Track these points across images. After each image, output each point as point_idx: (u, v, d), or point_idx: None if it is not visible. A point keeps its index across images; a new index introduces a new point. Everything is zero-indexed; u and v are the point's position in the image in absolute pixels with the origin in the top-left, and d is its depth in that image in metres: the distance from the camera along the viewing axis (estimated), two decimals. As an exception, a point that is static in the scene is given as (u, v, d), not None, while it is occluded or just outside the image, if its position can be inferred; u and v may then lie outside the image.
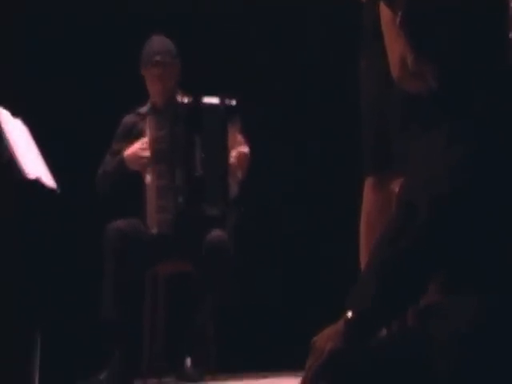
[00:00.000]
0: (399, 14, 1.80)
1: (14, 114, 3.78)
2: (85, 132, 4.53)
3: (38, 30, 4.70)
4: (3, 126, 3.63)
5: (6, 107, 3.75)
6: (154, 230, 3.88)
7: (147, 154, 3.91)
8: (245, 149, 3.97)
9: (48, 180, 3.78)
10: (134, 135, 4.00)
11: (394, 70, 2.08)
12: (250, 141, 4.04)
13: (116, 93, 4.48)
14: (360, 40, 2.66)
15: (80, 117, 4.64)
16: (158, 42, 4.03)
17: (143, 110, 4.06)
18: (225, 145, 3.94)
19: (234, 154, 3.94)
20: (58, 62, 4.71)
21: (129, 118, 4.07)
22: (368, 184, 2.70)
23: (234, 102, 3.98)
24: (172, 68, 4.01)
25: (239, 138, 3.98)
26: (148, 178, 3.92)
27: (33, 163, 3.73)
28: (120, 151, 3.97)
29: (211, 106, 3.97)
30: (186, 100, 3.98)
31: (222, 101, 3.97)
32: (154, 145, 3.94)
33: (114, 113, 4.10)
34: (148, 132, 3.96)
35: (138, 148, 3.92)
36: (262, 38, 4.71)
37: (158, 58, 3.98)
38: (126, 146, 3.96)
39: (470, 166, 1.70)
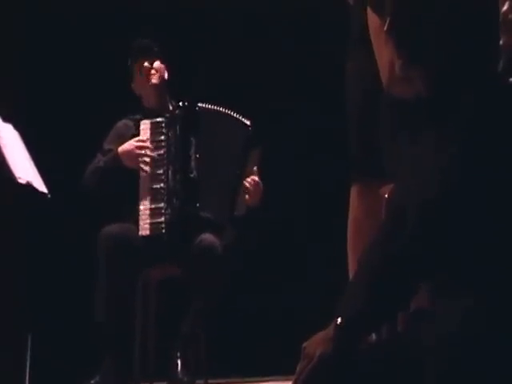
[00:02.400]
0: (387, 19, 1.80)
1: (5, 119, 3.78)
2: (76, 136, 4.54)
3: (31, 35, 4.71)
4: (-6, 130, 3.63)
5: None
6: (147, 233, 3.87)
7: (142, 151, 3.90)
8: (259, 181, 3.98)
9: (39, 184, 3.77)
10: (127, 138, 3.98)
11: (383, 75, 2.08)
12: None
13: (108, 98, 4.49)
14: (347, 42, 2.66)
15: (72, 121, 4.65)
16: (141, 40, 4.09)
17: (138, 116, 4.07)
18: (241, 162, 3.96)
19: (250, 182, 3.95)
20: (49, 69, 4.72)
21: (122, 123, 4.08)
22: (354, 191, 2.69)
23: (247, 122, 4.00)
24: (160, 60, 4.03)
25: (255, 169, 4.00)
26: (142, 181, 3.91)
27: (24, 168, 3.72)
28: (111, 151, 3.96)
29: (215, 111, 3.99)
30: (182, 103, 3.99)
31: (229, 113, 3.99)
32: (149, 148, 3.93)
33: (106, 117, 4.09)
34: (142, 135, 3.96)
35: (133, 144, 3.91)
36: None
37: (145, 43, 4.04)
38: (119, 146, 3.94)
39: (458, 170, 1.70)
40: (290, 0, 4.72)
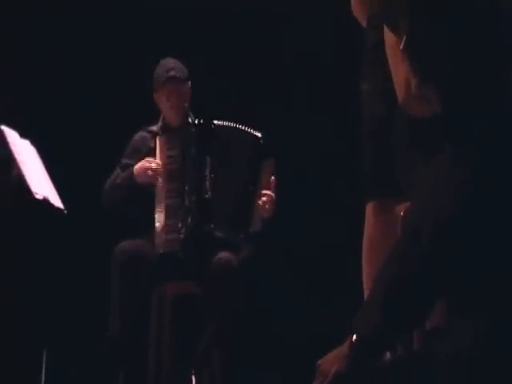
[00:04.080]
0: (403, 38, 1.81)
1: (23, 135, 3.81)
2: (92, 153, 4.55)
3: (46, 51, 4.74)
4: (12, 147, 3.65)
5: (15, 128, 3.78)
6: (161, 250, 3.87)
7: (157, 166, 3.91)
8: (272, 194, 3.97)
9: (55, 200, 3.80)
10: (143, 152, 3.99)
11: (399, 94, 2.09)
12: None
13: (125, 113, 4.51)
14: (361, 64, 2.66)
15: (88, 138, 4.66)
16: (172, 61, 4.06)
17: (154, 128, 4.07)
18: (254, 178, 3.96)
19: (264, 197, 3.93)
20: (65, 85, 4.74)
21: (139, 135, 4.08)
22: (369, 209, 2.69)
23: (258, 134, 4.00)
24: (186, 85, 4.03)
25: (272, 179, 3.97)
26: (157, 197, 3.92)
27: (41, 183, 3.75)
28: (129, 166, 3.97)
29: (227, 127, 3.99)
30: (198, 121, 3.99)
31: (245, 129, 3.99)
32: (164, 164, 3.94)
33: (122, 133, 4.11)
34: (158, 151, 3.97)
35: (148, 160, 3.92)
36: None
37: (173, 73, 4.00)
38: (136, 162, 3.96)
39: (473, 190, 1.70)
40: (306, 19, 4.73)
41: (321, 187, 4.70)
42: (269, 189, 3.96)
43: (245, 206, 3.95)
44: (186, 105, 4.02)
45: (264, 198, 3.94)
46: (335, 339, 1.87)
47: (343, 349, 1.74)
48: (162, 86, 4.01)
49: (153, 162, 3.91)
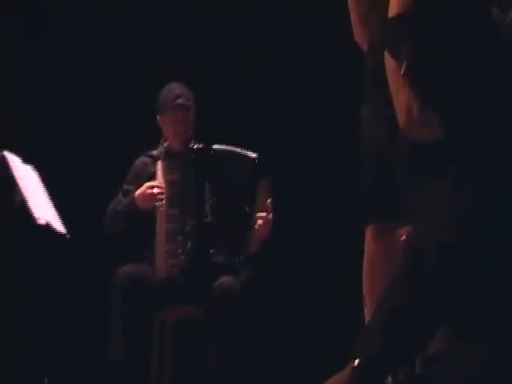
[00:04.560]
0: (404, 63, 1.82)
1: (25, 160, 3.82)
2: (94, 178, 4.56)
3: (49, 73, 4.74)
4: (14, 172, 3.66)
5: (17, 154, 3.79)
6: (162, 275, 3.87)
7: (158, 191, 3.91)
8: (269, 215, 3.97)
9: (58, 225, 3.80)
10: (144, 177, 4.01)
11: (400, 118, 2.09)
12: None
13: (127, 137, 4.51)
14: (360, 89, 2.67)
15: (89, 163, 4.67)
16: (178, 87, 4.06)
17: (156, 152, 4.08)
18: (250, 200, 3.95)
19: (259, 220, 3.93)
20: (65, 110, 4.75)
21: (140, 161, 4.09)
22: (370, 231, 2.69)
23: (253, 155, 4.00)
24: (191, 112, 4.04)
25: (268, 201, 3.98)
26: (158, 222, 3.93)
27: (43, 208, 3.75)
28: (131, 192, 3.98)
29: (226, 152, 4.00)
30: (197, 146, 4.00)
31: (240, 152, 4.00)
32: (165, 188, 3.95)
33: (123, 159, 4.12)
34: (160, 175, 3.98)
35: (148, 185, 3.92)
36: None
37: (180, 100, 4.00)
38: (137, 188, 3.96)
39: (476, 213, 1.70)
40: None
41: (320, 204, 4.69)
42: (265, 210, 3.96)
43: (242, 228, 3.94)
44: (191, 132, 4.03)
45: (260, 221, 3.93)
46: (336, 358, 1.86)
47: (345, 373, 1.73)
48: (169, 112, 4.01)
49: (154, 187, 3.92)
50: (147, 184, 3.94)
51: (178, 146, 4.05)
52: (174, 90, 4.04)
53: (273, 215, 3.96)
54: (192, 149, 3.99)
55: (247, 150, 4.02)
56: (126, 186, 4.04)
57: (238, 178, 3.99)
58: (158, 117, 4.08)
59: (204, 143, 4.00)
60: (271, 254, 4.06)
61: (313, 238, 4.64)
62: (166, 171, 3.98)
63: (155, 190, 3.91)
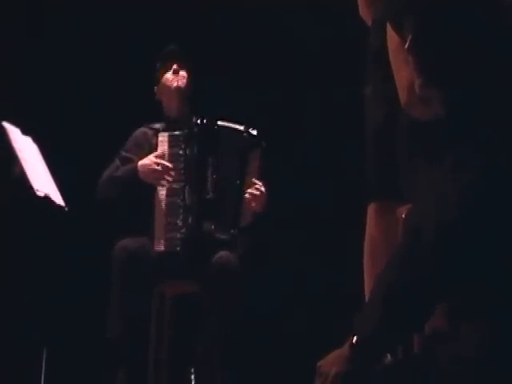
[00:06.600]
0: (408, 38, 1.80)
1: (25, 131, 3.81)
2: (94, 150, 4.55)
3: (48, 46, 4.74)
4: (13, 143, 3.65)
5: (17, 125, 3.77)
6: (162, 248, 3.86)
7: (161, 167, 3.88)
8: (261, 187, 3.95)
9: (57, 197, 3.79)
10: (145, 148, 3.97)
11: (402, 96, 2.09)
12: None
13: (126, 110, 4.51)
14: (364, 66, 2.66)
15: (89, 135, 4.66)
16: (172, 46, 4.10)
17: (157, 125, 4.06)
18: (241, 171, 3.94)
19: (250, 189, 3.93)
20: (67, 83, 4.74)
21: (141, 131, 4.06)
22: (371, 210, 2.69)
23: (254, 132, 3.99)
24: (186, 67, 4.04)
25: (257, 171, 3.97)
26: (159, 195, 3.91)
27: (42, 180, 3.74)
28: (130, 160, 3.95)
29: (228, 128, 3.98)
30: (201, 120, 3.97)
31: (241, 128, 3.98)
32: (167, 164, 3.92)
33: (123, 131, 4.10)
34: (161, 148, 3.95)
35: (154, 161, 3.90)
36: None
37: (173, 47, 4.05)
38: (138, 158, 3.93)
39: (476, 193, 1.70)
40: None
41: (321, 184, 4.70)
42: (256, 178, 3.95)
43: (233, 201, 3.92)
44: (187, 92, 4.00)
45: (254, 191, 3.92)
46: (335, 336, 1.86)
47: (344, 350, 1.74)
48: (164, 63, 4.02)
49: (160, 164, 3.87)
50: (154, 159, 3.89)
51: (177, 111, 4.02)
52: (168, 47, 4.08)
53: (269, 191, 3.95)
54: (196, 123, 3.97)
55: (250, 127, 4.01)
56: (124, 153, 3.98)
57: (240, 156, 3.97)
58: (155, 89, 4.07)
59: (208, 119, 3.98)
60: (267, 226, 4.05)
61: (314, 216, 4.65)
62: (168, 145, 3.95)
63: (160, 168, 3.86)
